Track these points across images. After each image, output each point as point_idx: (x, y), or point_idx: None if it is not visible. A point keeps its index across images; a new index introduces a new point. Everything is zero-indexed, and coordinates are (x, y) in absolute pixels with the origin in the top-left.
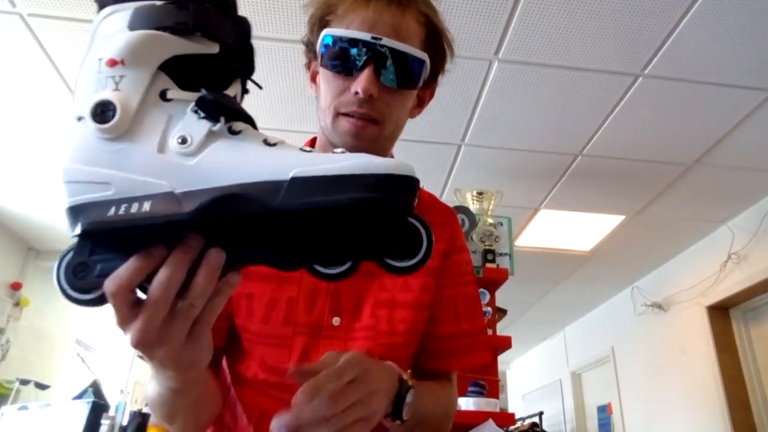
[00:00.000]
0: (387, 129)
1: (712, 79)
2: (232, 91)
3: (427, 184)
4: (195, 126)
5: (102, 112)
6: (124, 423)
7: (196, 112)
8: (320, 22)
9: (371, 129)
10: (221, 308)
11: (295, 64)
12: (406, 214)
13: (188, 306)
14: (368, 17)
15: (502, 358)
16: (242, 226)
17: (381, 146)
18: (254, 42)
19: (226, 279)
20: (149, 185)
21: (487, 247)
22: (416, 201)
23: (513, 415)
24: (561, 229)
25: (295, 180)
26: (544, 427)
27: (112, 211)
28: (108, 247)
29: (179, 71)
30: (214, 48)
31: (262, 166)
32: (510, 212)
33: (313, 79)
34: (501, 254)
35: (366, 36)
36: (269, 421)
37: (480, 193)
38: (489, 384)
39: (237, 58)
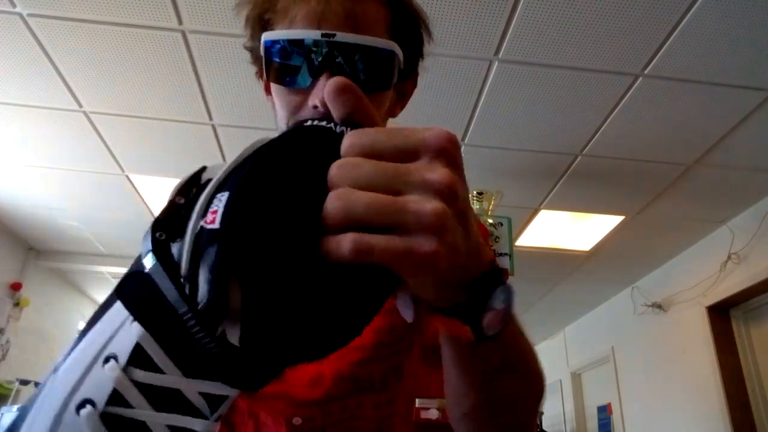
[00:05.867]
0: None
1: (712, 79)
2: None
3: None
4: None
5: None
6: None
7: None
8: (260, 22)
9: None
10: None
11: None
12: None
13: None
14: (312, 8)
15: None
16: None
17: None
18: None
19: None
20: None
21: None
22: None
23: None
24: (561, 229)
25: None
26: (544, 427)
27: None
28: None
29: None
30: None
31: None
32: (510, 212)
33: (268, 89)
34: (501, 254)
35: (315, 34)
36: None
37: (480, 193)
38: None
39: None
